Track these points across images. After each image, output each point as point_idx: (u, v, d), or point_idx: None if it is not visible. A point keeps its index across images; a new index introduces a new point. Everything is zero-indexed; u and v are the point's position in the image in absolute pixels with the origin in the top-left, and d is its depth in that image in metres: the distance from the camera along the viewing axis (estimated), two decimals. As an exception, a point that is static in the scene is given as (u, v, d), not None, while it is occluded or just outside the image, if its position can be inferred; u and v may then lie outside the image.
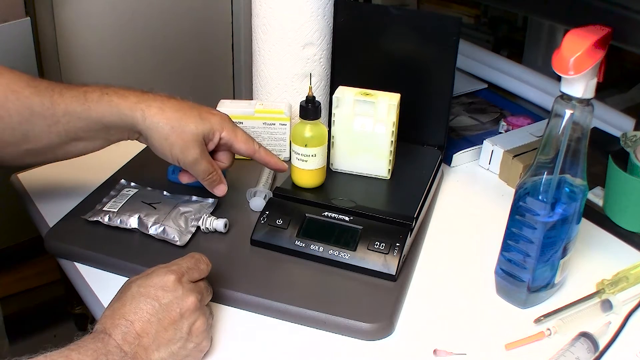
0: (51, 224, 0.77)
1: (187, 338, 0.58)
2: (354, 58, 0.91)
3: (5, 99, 0.68)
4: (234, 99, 1.03)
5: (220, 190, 0.77)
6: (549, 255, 0.66)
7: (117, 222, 0.75)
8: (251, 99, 0.95)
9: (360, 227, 0.73)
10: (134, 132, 0.72)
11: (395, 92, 0.80)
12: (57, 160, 0.75)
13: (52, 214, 0.80)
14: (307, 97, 0.75)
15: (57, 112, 0.69)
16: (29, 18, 1.29)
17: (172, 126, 0.71)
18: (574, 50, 0.59)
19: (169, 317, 0.57)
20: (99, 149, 0.75)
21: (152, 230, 0.74)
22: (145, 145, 0.75)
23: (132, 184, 0.83)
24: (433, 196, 0.86)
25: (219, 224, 0.75)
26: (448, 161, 0.95)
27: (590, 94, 0.61)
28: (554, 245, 0.66)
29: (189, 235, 0.74)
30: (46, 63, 1.44)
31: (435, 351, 0.63)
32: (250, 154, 0.77)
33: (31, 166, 0.90)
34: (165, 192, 0.81)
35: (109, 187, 0.83)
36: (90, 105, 0.69)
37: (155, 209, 0.77)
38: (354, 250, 0.71)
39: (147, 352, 0.56)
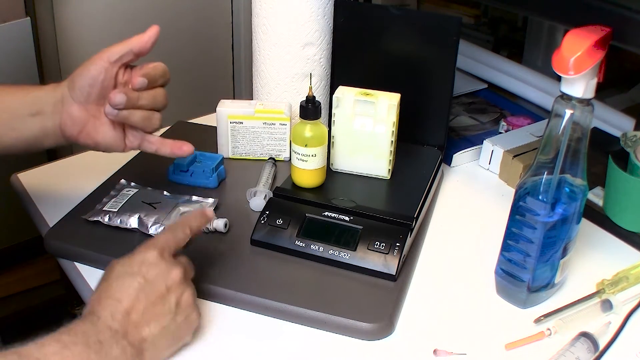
0: (51, 224, 0.77)
1: (175, 311, 0.59)
2: (354, 58, 0.91)
3: None
4: (234, 99, 1.03)
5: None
6: (549, 255, 0.66)
7: (117, 222, 0.75)
8: (251, 99, 0.95)
9: (360, 227, 0.73)
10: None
11: (395, 92, 0.80)
12: None
13: (52, 214, 0.79)
14: (307, 97, 0.75)
15: None
16: (29, 18, 1.29)
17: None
18: (574, 50, 0.59)
19: (156, 291, 0.57)
20: None
21: (152, 230, 0.74)
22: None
23: (132, 184, 0.83)
24: (433, 196, 0.86)
25: (219, 224, 0.75)
26: (448, 161, 0.95)
27: (590, 94, 0.61)
28: (554, 245, 0.66)
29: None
30: (46, 63, 1.44)
31: (435, 351, 0.63)
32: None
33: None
34: (165, 192, 0.81)
35: (109, 187, 0.83)
36: None
37: (155, 209, 0.77)
38: (354, 250, 0.71)
39: (138, 329, 0.56)
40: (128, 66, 0.71)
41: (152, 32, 0.69)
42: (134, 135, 0.73)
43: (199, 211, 0.67)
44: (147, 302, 0.57)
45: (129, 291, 0.56)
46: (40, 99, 0.71)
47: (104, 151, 0.73)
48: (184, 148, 0.74)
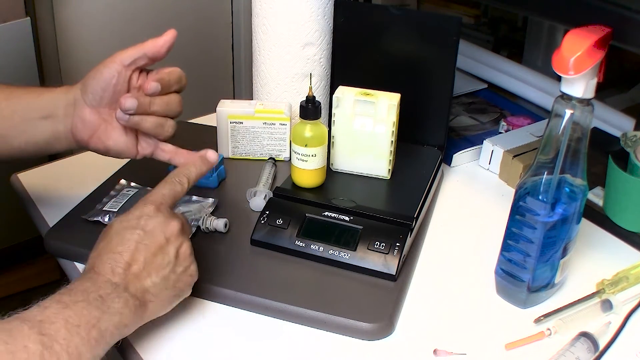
0: (51, 224, 0.77)
1: (175, 262, 0.59)
2: (354, 58, 0.91)
3: None
4: (234, 99, 1.03)
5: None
6: (549, 255, 0.66)
7: (117, 222, 0.75)
8: (251, 99, 0.95)
9: (360, 227, 0.73)
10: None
11: (395, 92, 0.80)
12: None
13: (52, 214, 0.80)
14: (307, 97, 0.75)
15: None
16: (29, 18, 1.30)
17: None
18: (574, 50, 0.59)
19: (156, 242, 0.58)
20: None
21: (152, 230, 0.74)
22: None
23: (132, 184, 0.83)
24: (433, 196, 0.86)
25: (219, 224, 0.75)
26: (448, 161, 0.95)
27: (590, 94, 0.61)
28: (554, 245, 0.66)
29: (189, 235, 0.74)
30: (46, 63, 1.44)
31: (435, 351, 0.63)
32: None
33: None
34: (165, 192, 0.81)
35: (109, 187, 0.83)
36: None
37: (155, 209, 0.77)
38: (354, 250, 0.71)
39: (139, 279, 0.56)
40: (143, 70, 0.70)
41: (168, 36, 0.68)
42: (146, 142, 0.72)
43: (198, 157, 0.64)
44: (147, 253, 0.57)
45: (128, 244, 0.57)
46: (52, 101, 0.70)
47: (115, 157, 0.72)
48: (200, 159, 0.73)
